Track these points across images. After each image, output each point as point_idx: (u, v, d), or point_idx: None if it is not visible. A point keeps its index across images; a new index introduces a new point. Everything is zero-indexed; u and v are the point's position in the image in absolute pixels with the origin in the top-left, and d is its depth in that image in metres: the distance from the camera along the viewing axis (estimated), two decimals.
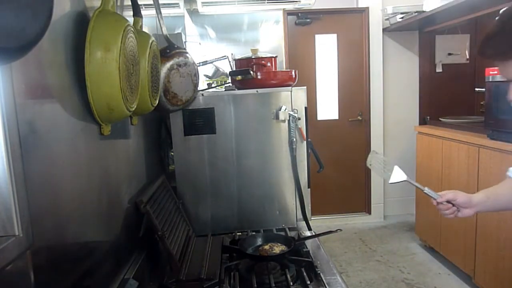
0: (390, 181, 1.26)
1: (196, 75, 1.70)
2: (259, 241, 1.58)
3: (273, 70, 1.94)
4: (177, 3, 2.85)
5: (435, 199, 1.22)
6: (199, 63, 2.19)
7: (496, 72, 2.47)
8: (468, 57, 3.97)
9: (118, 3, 1.30)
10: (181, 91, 1.65)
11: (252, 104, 1.82)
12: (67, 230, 0.89)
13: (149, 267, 1.40)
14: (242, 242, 1.53)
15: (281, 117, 1.79)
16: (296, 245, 1.49)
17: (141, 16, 1.34)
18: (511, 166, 1.25)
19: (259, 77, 1.85)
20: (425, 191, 1.22)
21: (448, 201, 1.20)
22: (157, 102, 1.45)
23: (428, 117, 3.90)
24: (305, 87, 1.84)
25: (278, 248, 1.45)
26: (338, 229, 1.53)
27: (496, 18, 1.01)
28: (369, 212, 4.17)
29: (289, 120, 1.80)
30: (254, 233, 1.68)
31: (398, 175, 1.27)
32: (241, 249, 1.47)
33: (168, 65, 1.58)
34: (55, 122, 0.85)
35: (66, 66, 0.91)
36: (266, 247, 1.46)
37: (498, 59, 0.99)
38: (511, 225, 2.29)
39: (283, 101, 1.81)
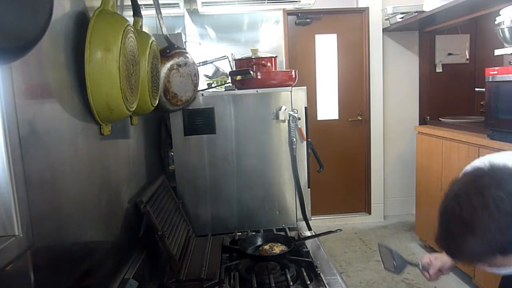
0: (399, 273, 1.34)
1: (196, 75, 1.70)
2: (259, 241, 1.58)
3: (273, 70, 1.94)
4: (177, 3, 2.85)
5: (428, 272, 1.32)
6: (199, 63, 2.19)
7: (496, 72, 2.47)
8: (468, 57, 3.97)
9: (118, 3, 1.30)
10: (181, 91, 1.65)
11: (252, 104, 1.82)
12: (67, 230, 0.89)
13: (149, 267, 1.40)
14: (242, 242, 1.53)
15: (281, 117, 1.79)
16: (296, 245, 1.49)
17: (141, 16, 1.34)
18: None
19: (259, 77, 1.85)
20: (420, 267, 1.33)
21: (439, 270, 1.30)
22: (157, 102, 1.46)
23: (428, 117, 3.90)
24: (305, 87, 1.84)
25: (278, 248, 1.44)
26: (338, 229, 1.53)
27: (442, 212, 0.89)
28: (369, 212, 4.17)
29: (289, 120, 1.80)
30: (254, 233, 1.68)
31: (401, 263, 1.36)
32: (241, 249, 1.47)
33: (168, 65, 1.58)
34: (55, 122, 0.85)
35: (66, 66, 0.91)
36: (266, 247, 1.46)
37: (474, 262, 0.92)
38: None
39: (283, 101, 1.81)
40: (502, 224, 0.81)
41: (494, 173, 0.86)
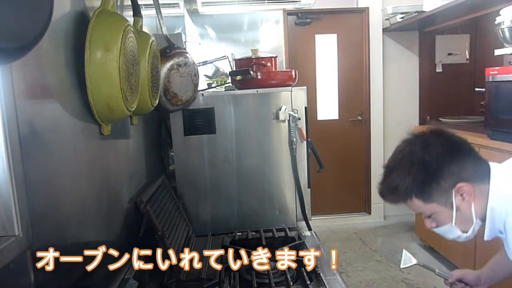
0: (401, 267, 1.30)
1: (196, 75, 1.70)
2: None
3: (273, 70, 1.94)
4: (177, 3, 2.85)
5: (446, 279, 1.27)
6: (199, 63, 2.19)
7: (496, 72, 2.47)
8: (468, 57, 3.96)
9: (118, 3, 1.30)
10: (181, 91, 1.65)
11: (252, 104, 1.82)
12: (67, 230, 0.89)
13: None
14: None
15: (281, 117, 1.79)
16: (296, 245, 1.49)
17: (141, 16, 1.34)
18: None
19: (259, 77, 1.85)
20: (436, 272, 1.28)
21: (459, 280, 1.25)
22: (157, 102, 1.45)
23: (428, 117, 3.90)
24: (305, 87, 1.84)
25: None
26: None
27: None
28: (369, 212, 4.17)
29: (289, 120, 1.80)
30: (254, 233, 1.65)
31: (407, 259, 1.31)
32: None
33: (168, 65, 1.58)
34: (55, 122, 0.85)
35: (66, 66, 0.91)
36: None
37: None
38: None
39: (283, 101, 1.81)
40: (411, 171, 1.06)
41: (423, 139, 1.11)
